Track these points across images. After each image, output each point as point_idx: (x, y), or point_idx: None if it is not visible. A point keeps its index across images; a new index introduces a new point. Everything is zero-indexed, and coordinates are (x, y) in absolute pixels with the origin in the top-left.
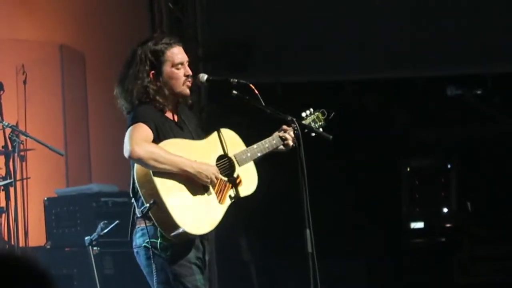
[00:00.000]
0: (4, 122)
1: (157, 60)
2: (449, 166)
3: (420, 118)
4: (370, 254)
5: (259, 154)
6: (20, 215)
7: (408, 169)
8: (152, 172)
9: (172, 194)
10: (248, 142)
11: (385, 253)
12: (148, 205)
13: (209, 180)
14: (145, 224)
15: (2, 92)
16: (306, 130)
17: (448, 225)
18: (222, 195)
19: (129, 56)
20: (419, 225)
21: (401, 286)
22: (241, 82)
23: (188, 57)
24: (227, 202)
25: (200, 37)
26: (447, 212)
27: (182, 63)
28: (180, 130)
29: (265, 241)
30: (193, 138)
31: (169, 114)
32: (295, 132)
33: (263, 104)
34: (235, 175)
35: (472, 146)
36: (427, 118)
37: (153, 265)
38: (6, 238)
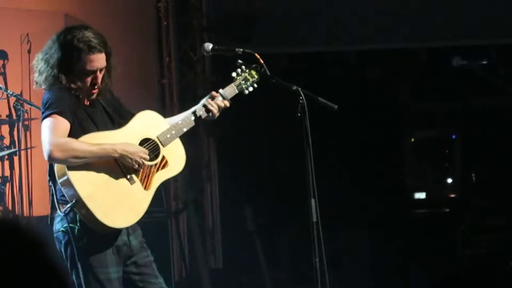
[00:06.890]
0: (8, 91)
1: (72, 56)
2: (453, 137)
3: (424, 89)
4: (373, 224)
5: (185, 130)
6: (24, 184)
7: (412, 140)
8: (68, 170)
9: (93, 193)
10: (254, 112)
11: (389, 224)
12: (70, 204)
13: (136, 165)
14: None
15: (6, 61)
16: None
17: (451, 195)
18: (147, 180)
19: (53, 39)
20: (423, 195)
21: (404, 257)
22: (247, 52)
23: (193, 27)
24: (153, 187)
25: (205, 7)
26: (451, 183)
27: (94, 72)
28: (96, 115)
29: (269, 211)
30: (111, 120)
31: (83, 99)
32: (301, 102)
33: (269, 73)
34: (160, 157)
35: (477, 117)
36: (431, 89)
37: (69, 252)
38: (10, 208)
